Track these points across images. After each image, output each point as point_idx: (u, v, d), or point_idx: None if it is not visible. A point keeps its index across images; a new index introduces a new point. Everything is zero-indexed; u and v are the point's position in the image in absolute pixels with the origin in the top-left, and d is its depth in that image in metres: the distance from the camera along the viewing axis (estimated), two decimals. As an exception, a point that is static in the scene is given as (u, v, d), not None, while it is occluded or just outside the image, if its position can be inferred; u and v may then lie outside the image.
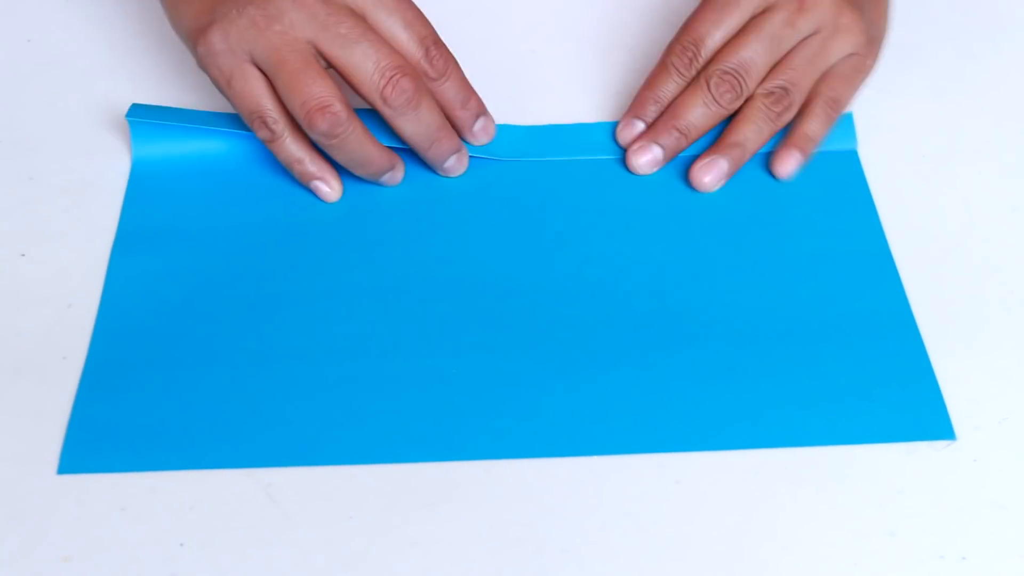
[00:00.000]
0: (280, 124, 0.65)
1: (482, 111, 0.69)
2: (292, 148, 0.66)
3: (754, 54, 0.67)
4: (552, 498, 0.57)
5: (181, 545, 0.55)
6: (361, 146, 0.65)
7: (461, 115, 0.68)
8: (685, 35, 0.69)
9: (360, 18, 0.65)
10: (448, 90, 0.67)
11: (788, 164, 0.68)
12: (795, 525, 0.56)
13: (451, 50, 0.67)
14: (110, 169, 0.70)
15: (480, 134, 0.69)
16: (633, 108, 0.70)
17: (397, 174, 0.68)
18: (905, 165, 0.69)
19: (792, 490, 0.57)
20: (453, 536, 0.55)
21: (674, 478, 0.57)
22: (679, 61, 0.68)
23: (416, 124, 0.66)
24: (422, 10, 0.66)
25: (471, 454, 0.58)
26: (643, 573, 0.54)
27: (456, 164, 0.68)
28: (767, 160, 0.69)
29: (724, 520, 0.56)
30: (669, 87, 0.69)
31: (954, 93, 0.74)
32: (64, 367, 0.61)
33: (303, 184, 0.68)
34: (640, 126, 0.69)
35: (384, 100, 0.64)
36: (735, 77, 0.67)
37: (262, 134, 0.66)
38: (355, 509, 0.56)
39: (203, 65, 0.65)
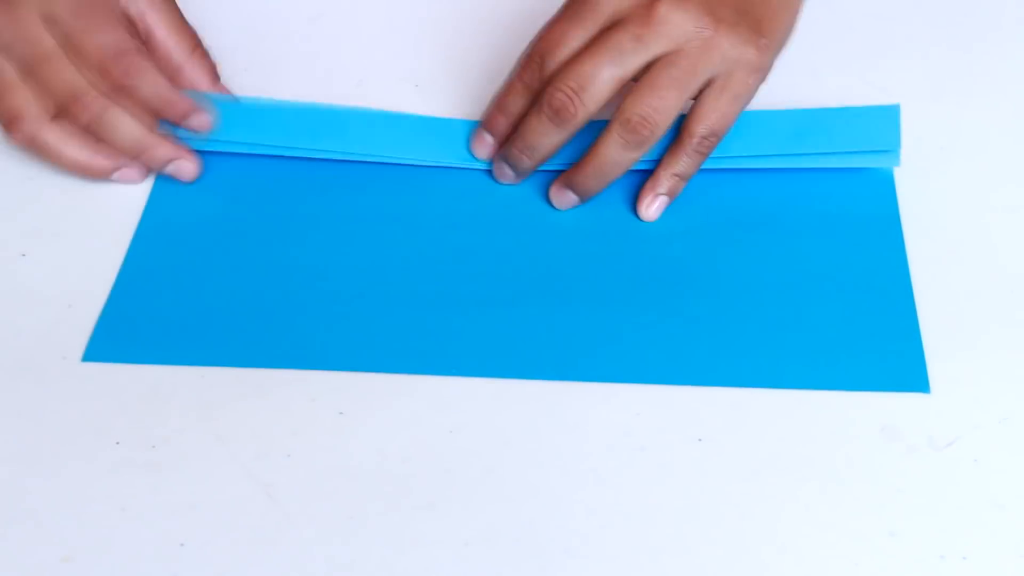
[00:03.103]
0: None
1: (187, 111, 0.68)
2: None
3: (594, 69, 0.64)
4: (552, 498, 0.57)
5: (181, 545, 0.55)
6: (65, 150, 0.67)
7: (168, 117, 0.68)
8: (533, 49, 0.66)
9: (44, 28, 0.66)
10: (144, 99, 0.67)
11: (652, 207, 0.67)
12: (795, 525, 0.56)
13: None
14: (110, 169, 0.70)
15: (195, 128, 0.69)
16: (484, 121, 0.69)
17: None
18: (906, 165, 0.69)
19: (792, 490, 0.57)
20: (453, 536, 0.55)
21: (675, 478, 0.57)
22: (526, 75, 0.66)
23: (113, 138, 0.67)
24: (112, 17, 0.67)
25: (467, 370, 0.61)
26: (643, 573, 0.54)
27: (177, 170, 0.69)
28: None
29: (724, 520, 0.56)
30: (517, 101, 0.67)
31: (954, 93, 0.74)
32: (64, 367, 0.61)
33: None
34: (489, 139, 0.69)
35: (74, 117, 0.66)
36: (572, 95, 0.64)
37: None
38: (355, 509, 0.56)
39: None
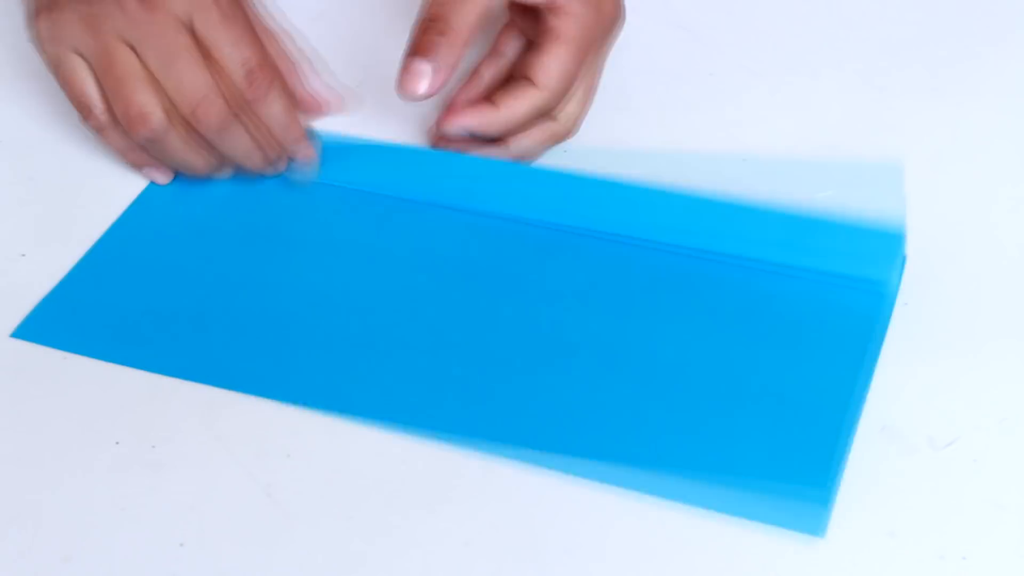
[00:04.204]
0: (105, 116, 0.66)
1: (300, 138, 0.68)
2: (118, 138, 0.67)
3: None
4: (552, 498, 0.57)
5: (181, 545, 0.55)
6: (180, 152, 0.67)
7: (280, 138, 0.68)
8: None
9: (184, 30, 0.65)
10: (268, 114, 0.67)
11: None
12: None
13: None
14: (110, 169, 0.70)
15: (300, 158, 0.69)
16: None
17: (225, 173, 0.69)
18: (906, 165, 0.69)
19: (792, 490, 0.57)
20: (453, 536, 0.55)
21: (674, 478, 0.57)
22: None
23: (230, 145, 0.67)
24: (252, 28, 0.66)
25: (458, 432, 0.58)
26: (643, 573, 0.54)
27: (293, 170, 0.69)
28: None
29: (724, 520, 0.56)
30: None
31: (955, 93, 0.74)
32: (64, 367, 0.61)
33: (135, 169, 0.69)
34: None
35: (196, 121, 0.65)
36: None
37: (90, 123, 0.67)
38: (355, 509, 0.56)
39: (35, 47, 0.67)
